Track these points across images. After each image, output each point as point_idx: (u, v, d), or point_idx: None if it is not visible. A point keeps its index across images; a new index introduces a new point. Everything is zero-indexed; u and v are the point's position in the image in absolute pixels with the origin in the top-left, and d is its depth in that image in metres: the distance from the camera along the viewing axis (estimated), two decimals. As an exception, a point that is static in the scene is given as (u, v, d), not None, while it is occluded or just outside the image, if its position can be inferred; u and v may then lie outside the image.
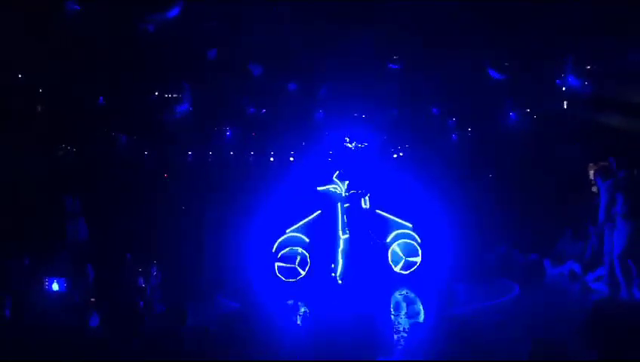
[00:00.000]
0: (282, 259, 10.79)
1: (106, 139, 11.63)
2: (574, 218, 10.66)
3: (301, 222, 11.07)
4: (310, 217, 11.08)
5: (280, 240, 10.93)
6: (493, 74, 9.57)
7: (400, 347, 4.72)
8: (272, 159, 13.75)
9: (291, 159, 12.75)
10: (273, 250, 10.85)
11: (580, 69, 9.36)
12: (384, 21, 9.00)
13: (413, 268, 10.94)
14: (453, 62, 9.73)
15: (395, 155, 13.35)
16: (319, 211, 11.04)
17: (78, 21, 7.12)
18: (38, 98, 9.89)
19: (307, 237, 10.97)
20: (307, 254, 10.84)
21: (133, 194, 11.02)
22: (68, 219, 9.00)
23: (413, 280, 10.46)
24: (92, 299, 4.06)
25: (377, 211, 11.11)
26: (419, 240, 11.02)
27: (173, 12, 7.07)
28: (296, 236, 10.97)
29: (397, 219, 11.22)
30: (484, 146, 12.83)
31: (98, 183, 10.59)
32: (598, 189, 8.02)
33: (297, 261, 10.78)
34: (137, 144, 12.22)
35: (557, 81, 9.89)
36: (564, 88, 9.96)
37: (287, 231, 11.01)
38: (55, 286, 4.35)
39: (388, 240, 11.05)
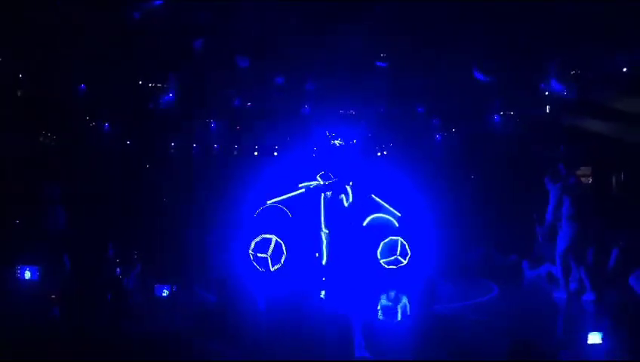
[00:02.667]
0: (255, 249, 10.68)
1: (88, 127, 11.49)
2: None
3: (283, 196, 10.90)
4: (293, 193, 10.90)
5: (260, 209, 10.71)
6: (479, 75, 9.63)
7: (377, 344, 4.71)
8: (256, 153, 13.70)
9: (275, 154, 12.72)
10: (255, 215, 10.66)
11: (563, 73, 9.46)
12: (372, 19, 9.00)
13: (399, 265, 10.94)
14: (438, 62, 9.78)
15: (379, 153, 13.39)
16: (303, 189, 10.89)
17: (61, 5, 7.00)
18: (19, 83, 9.72)
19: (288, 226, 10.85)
20: (282, 242, 10.74)
21: (113, 184, 10.90)
22: (46, 206, 8.84)
23: (393, 278, 10.47)
24: (53, 296, 3.95)
25: (372, 196, 11.14)
26: (396, 224, 11.07)
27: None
28: (279, 208, 10.77)
29: (388, 206, 11.23)
30: (466, 147, 12.93)
31: (78, 171, 10.45)
32: (548, 191, 8.37)
33: (270, 250, 10.68)
34: (119, 133, 12.09)
35: (541, 85, 9.98)
36: (547, 93, 10.06)
37: (269, 202, 10.86)
38: (27, 275, 4.23)
39: (364, 223, 11.05)
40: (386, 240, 10.95)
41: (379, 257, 10.90)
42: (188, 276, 9.27)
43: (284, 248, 10.68)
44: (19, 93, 9.47)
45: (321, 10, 8.63)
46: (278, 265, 10.54)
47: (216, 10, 8.44)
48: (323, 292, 9.06)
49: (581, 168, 10.76)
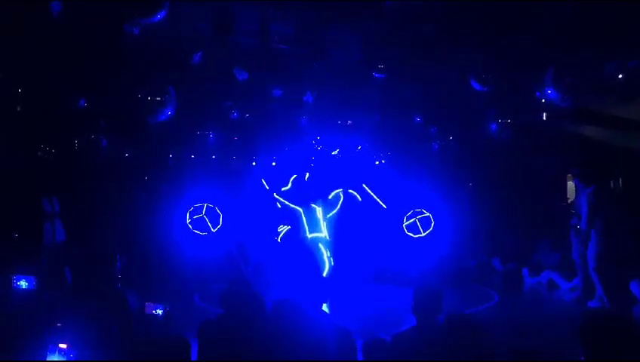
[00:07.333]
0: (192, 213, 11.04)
1: (86, 139, 11.50)
2: (553, 228, 10.83)
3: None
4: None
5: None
6: (475, 85, 9.67)
7: (378, 356, 4.70)
8: (254, 163, 13.72)
9: (273, 164, 12.72)
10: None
11: (559, 81, 9.51)
12: (369, 29, 9.07)
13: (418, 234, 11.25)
14: (435, 71, 9.84)
15: (377, 162, 13.41)
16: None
17: (61, 19, 7.02)
18: (18, 97, 9.74)
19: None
20: (216, 208, 11.14)
21: (112, 196, 10.91)
22: (45, 220, 8.82)
23: (391, 286, 10.39)
24: (58, 324, 3.87)
25: (363, 185, 11.34)
26: (360, 199, 11.24)
27: (160, 15, 7.00)
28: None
29: (376, 198, 11.43)
30: (464, 156, 12.97)
31: (77, 184, 10.45)
32: (578, 196, 8.15)
33: (204, 211, 11.05)
34: (118, 145, 12.11)
35: (537, 92, 10.02)
36: (543, 100, 10.10)
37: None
38: (24, 284, 4.18)
39: (330, 197, 11.17)
40: (409, 213, 11.39)
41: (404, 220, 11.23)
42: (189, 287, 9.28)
43: (218, 210, 11.16)
44: (18, 108, 9.49)
45: (318, 20, 8.69)
46: (218, 226, 11.00)
47: (214, 23, 8.46)
48: (325, 305, 9.03)
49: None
